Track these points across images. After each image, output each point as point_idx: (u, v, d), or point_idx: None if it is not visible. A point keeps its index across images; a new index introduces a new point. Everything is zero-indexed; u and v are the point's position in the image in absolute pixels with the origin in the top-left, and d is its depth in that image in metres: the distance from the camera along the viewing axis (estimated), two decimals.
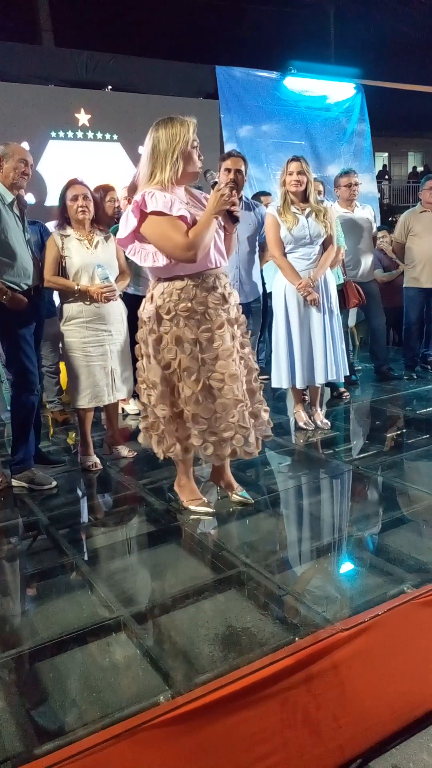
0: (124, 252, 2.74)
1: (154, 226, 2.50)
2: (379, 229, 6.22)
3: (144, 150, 2.59)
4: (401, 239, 5.17)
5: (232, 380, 2.63)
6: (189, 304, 2.57)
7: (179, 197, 2.56)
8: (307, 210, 3.71)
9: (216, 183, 2.66)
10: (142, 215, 2.51)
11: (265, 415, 2.82)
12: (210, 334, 2.61)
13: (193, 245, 2.48)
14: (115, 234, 3.55)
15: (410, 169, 23.00)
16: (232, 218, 2.63)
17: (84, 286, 3.32)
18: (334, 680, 1.69)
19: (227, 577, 2.35)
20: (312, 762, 1.50)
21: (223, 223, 2.66)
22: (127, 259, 3.57)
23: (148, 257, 2.57)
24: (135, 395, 3.54)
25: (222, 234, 2.69)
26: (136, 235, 2.57)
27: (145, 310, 2.68)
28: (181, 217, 2.51)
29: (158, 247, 2.53)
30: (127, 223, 2.55)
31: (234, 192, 2.56)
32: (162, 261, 2.54)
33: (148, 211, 2.48)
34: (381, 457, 3.51)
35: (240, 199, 4.01)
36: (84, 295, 3.33)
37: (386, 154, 22.85)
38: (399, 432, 4.07)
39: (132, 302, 3.67)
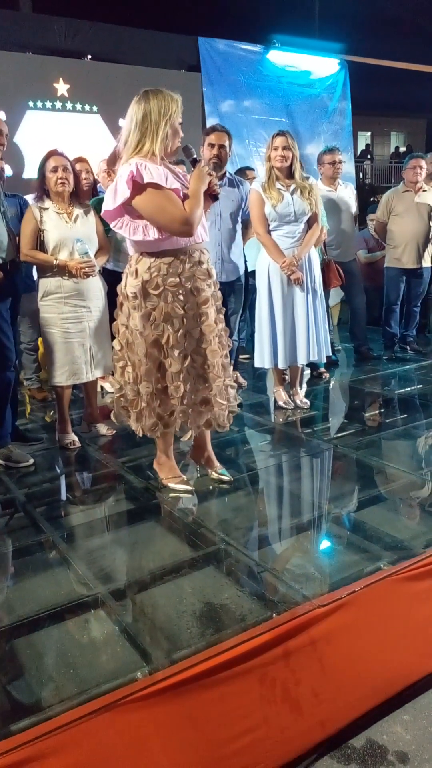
0: (109, 225, 2.66)
1: (149, 199, 2.44)
2: (369, 210, 6.20)
3: (129, 118, 2.50)
4: (383, 219, 5.15)
5: (213, 355, 2.66)
6: (177, 279, 2.54)
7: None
8: (293, 186, 3.66)
9: (195, 159, 2.62)
10: (136, 187, 2.43)
11: (232, 392, 2.83)
12: (196, 309, 2.60)
13: (190, 220, 2.45)
14: (95, 207, 3.49)
15: (393, 149, 22.93)
16: (212, 196, 2.64)
17: (62, 261, 3.25)
18: (312, 656, 1.71)
19: (206, 554, 2.35)
20: (293, 738, 1.52)
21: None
22: (107, 233, 3.51)
23: (138, 231, 2.50)
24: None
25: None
26: (126, 208, 2.50)
27: (129, 285, 2.62)
28: (174, 190, 2.46)
29: (153, 220, 2.47)
30: (117, 195, 2.46)
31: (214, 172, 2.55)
32: (153, 234, 2.49)
33: (144, 182, 2.42)
34: (359, 436, 3.54)
35: (224, 174, 3.95)
36: (62, 270, 3.26)
37: (369, 134, 22.75)
38: (377, 411, 4.10)
39: (111, 278, 3.62)
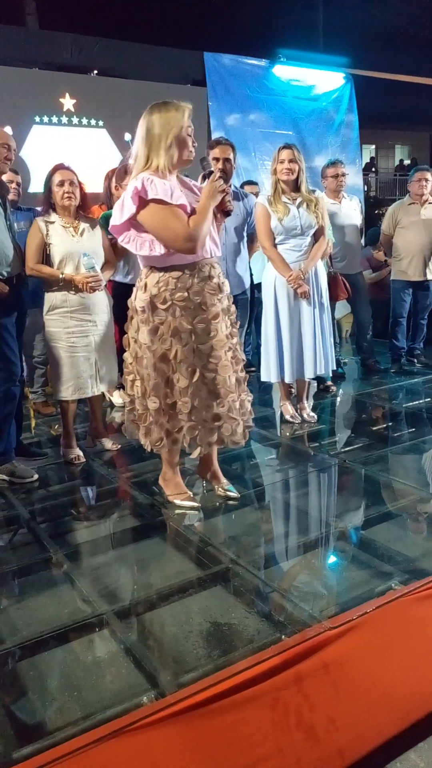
0: (117, 239, 2.64)
1: (154, 215, 2.44)
2: (368, 239, 6.20)
3: (137, 134, 2.51)
4: (389, 231, 5.13)
5: (225, 371, 2.63)
6: (185, 294, 2.52)
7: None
8: (299, 200, 3.65)
9: (211, 172, 2.62)
10: (141, 202, 2.43)
11: (248, 405, 2.80)
12: (205, 324, 2.57)
13: (194, 236, 2.44)
14: (104, 222, 3.48)
15: (397, 162, 23.01)
16: (224, 212, 2.63)
17: (69, 275, 3.24)
18: (325, 680, 1.66)
19: (213, 573, 2.31)
20: None
21: (215, 213, 2.62)
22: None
23: (144, 246, 2.50)
24: (120, 386, 3.48)
25: (215, 224, 2.64)
26: (132, 223, 2.50)
27: (138, 299, 2.61)
28: (181, 206, 2.45)
29: (157, 236, 2.46)
30: (123, 210, 2.46)
31: (228, 187, 2.54)
32: (159, 250, 2.48)
33: (149, 198, 2.41)
34: (367, 450, 3.49)
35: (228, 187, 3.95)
36: (69, 285, 3.25)
37: (373, 147, 22.83)
38: (385, 425, 4.06)
39: (121, 291, 3.60)
